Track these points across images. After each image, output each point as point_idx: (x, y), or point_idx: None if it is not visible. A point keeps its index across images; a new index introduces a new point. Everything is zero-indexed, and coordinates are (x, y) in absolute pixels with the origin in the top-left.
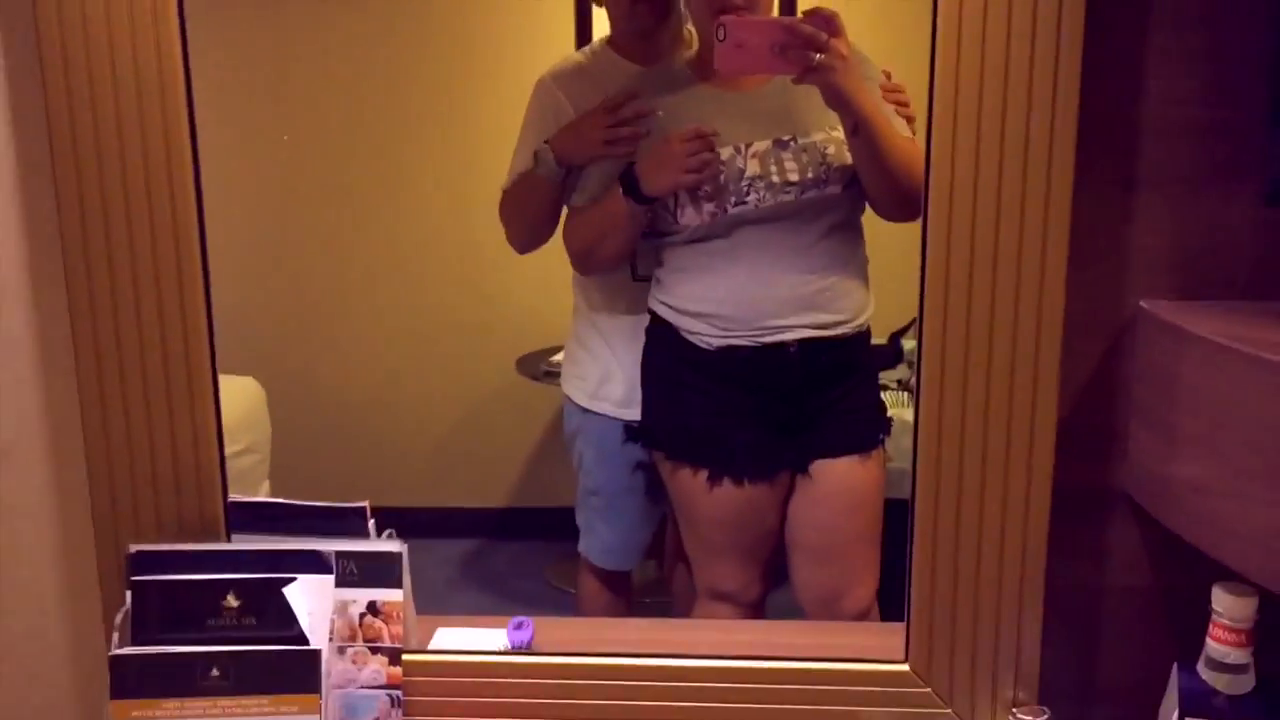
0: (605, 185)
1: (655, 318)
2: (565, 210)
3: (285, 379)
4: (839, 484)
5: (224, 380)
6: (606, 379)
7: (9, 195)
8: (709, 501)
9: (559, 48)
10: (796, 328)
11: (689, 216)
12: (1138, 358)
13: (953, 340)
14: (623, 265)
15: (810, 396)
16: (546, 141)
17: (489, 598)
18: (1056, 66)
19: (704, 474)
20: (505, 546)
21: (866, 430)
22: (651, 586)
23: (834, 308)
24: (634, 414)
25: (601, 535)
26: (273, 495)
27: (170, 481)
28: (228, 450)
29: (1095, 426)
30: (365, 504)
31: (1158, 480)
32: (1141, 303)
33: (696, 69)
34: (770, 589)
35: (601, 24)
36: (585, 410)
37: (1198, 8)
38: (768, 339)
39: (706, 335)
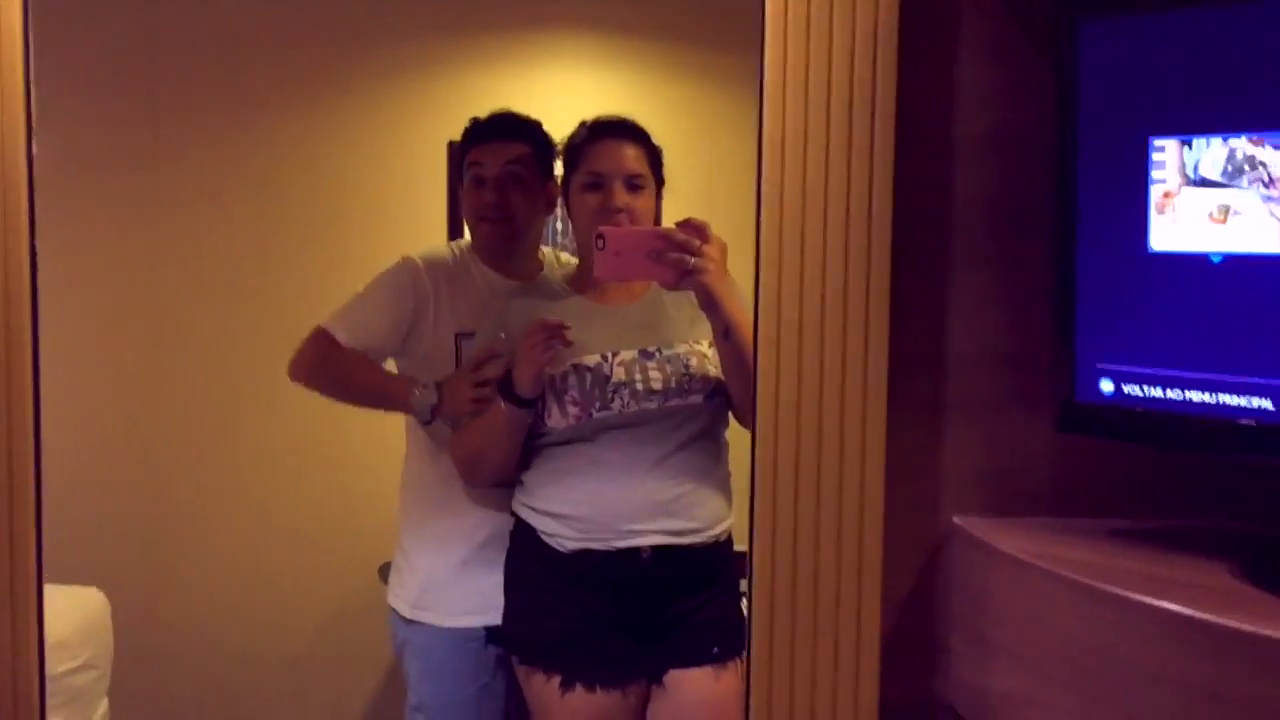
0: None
1: (518, 520)
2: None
3: (132, 589)
4: (694, 695)
5: (65, 591)
6: (429, 588)
7: None
8: (562, 709)
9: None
10: (650, 533)
11: (555, 419)
12: (954, 572)
13: (781, 556)
14: (509, 474)
15: (666, 605)
16: (436, 385)
17: None
18: (867, 300)
19: (556, 679)
20: None
21: (723, 641)
22: None
23: (689, 515)
24: (459, 621)
25: None
26: (110, 715)
27: None
28: (64, 666)
29: (919, 639)
30: None
31: (977, 692)
32: (955, 518)
33: (572, 283)
34: None
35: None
36: (409, 621)
37: (991, 250)
38: (621, 544)
39: (562, 537)
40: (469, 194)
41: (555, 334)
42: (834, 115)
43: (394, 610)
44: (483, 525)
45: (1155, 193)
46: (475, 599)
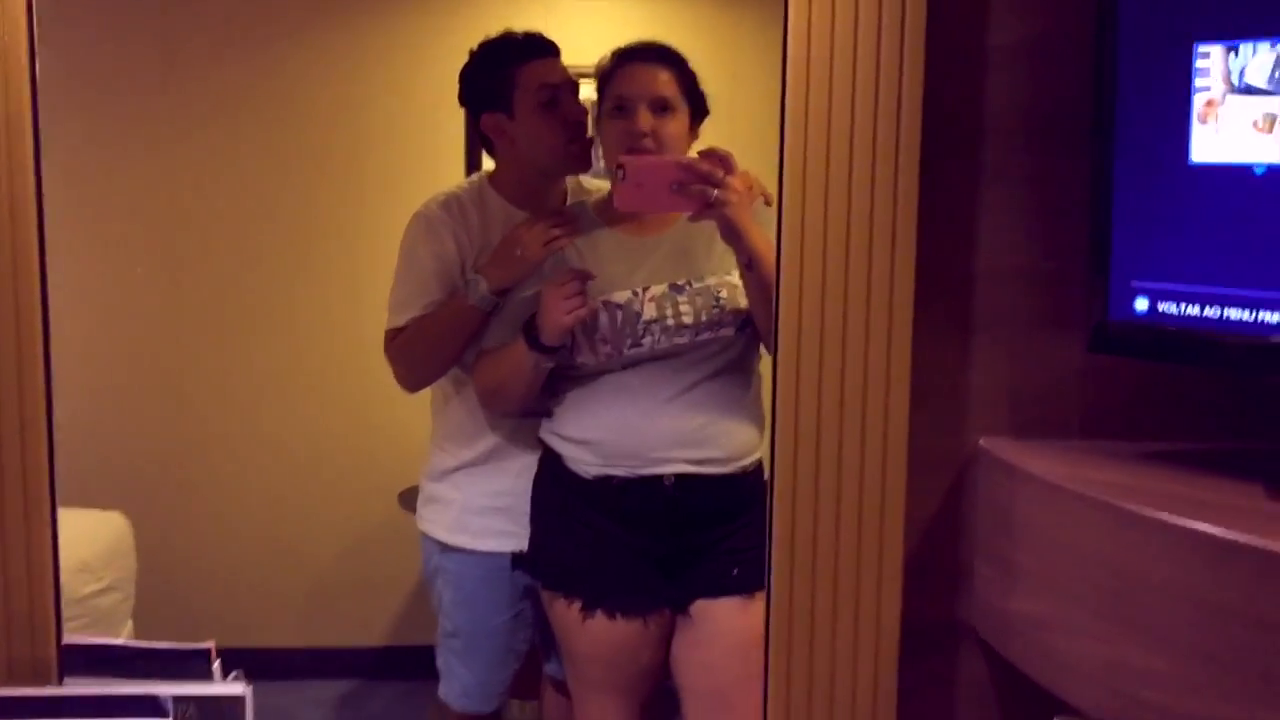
0: (514, 327)
1: (544, 447)
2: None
3: (155, 513)
4: (721, 625)
5: (88, 515)
6: (467, 511)
7: None
8: (582, 635)
9: (448, 178)
10: (673, 461)
11: (585, 356)
12: (979, 494)
13: (802, 477)
14: (528, 406)
15: (690, 535)
16: (477, 271)
17: None
18: (894, 218)
19: (577, 605)
20: (385, 687)
21: (750, 572)
22: None
23: (714, 444)
24: (495, 545)
25: (461, 678)
26: (135, 636)
27: (2, 625)
28: (89, 589)
29: (942, 562)
30: (210, 644)
31: (999, 615)
32: (981, 440)
33: (602, 214)
34: None
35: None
36: (444, 547)
37: (1024, 165)
38: (644, 471)
39: (585, 463)
40: (543, 114)
41: (580, 290)
42: (862, 24)
43: (428, 536)
44: (519, 453)
45: (1198, 101)
46: (511, 524)
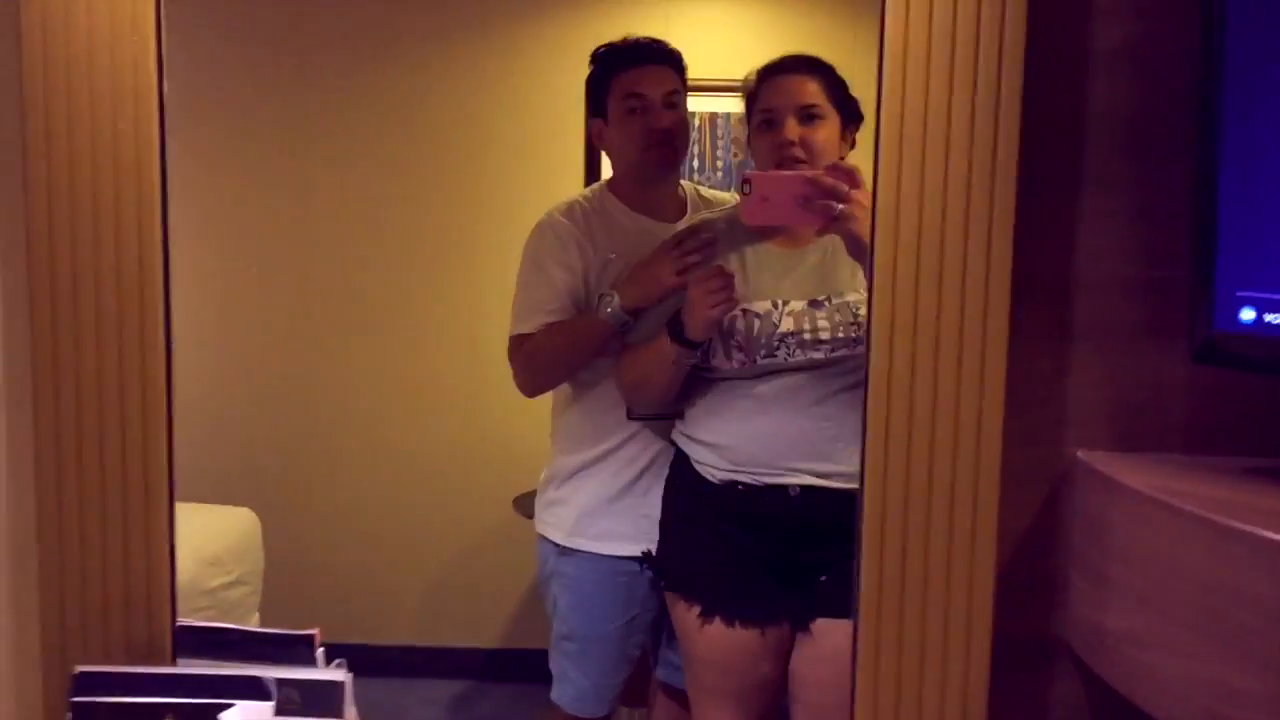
0: (660, 323)
1: (677, 450)
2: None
3: (282, 511)
4: (841, 646)
5: (219, 510)
6: (586, 514)
7: None
8: (700, 639)
9: (568, 190)
10: (799, 472)
11: (720, 360)
12: (1075, 507)
13: (893, 487)
14: (669, 402)
15: (813, 549)
16: (613, 288)
17: None
18: (991, 221)
19: (697, 609)
20: (496, 689)
21: None
22: None
23: (840, 459)
24: (613, 549)
25: (575, 681)
26: (262, 628)
27: (120, 603)
28: (218, 581)
29: (1036, 576)
30: (315, 631)
31: (1094, 631)
32: (1079, 453)
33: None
34: None
35: (609, 171)
36: (562, 550)
37: (1125, 171)
38: (770, 479)
39: (713, 467)
40: (625, 124)
41: (727, 284)
42: (960, 24)
43: (546, 539)
44: (638, 456)
45: None
46: (629, 527)
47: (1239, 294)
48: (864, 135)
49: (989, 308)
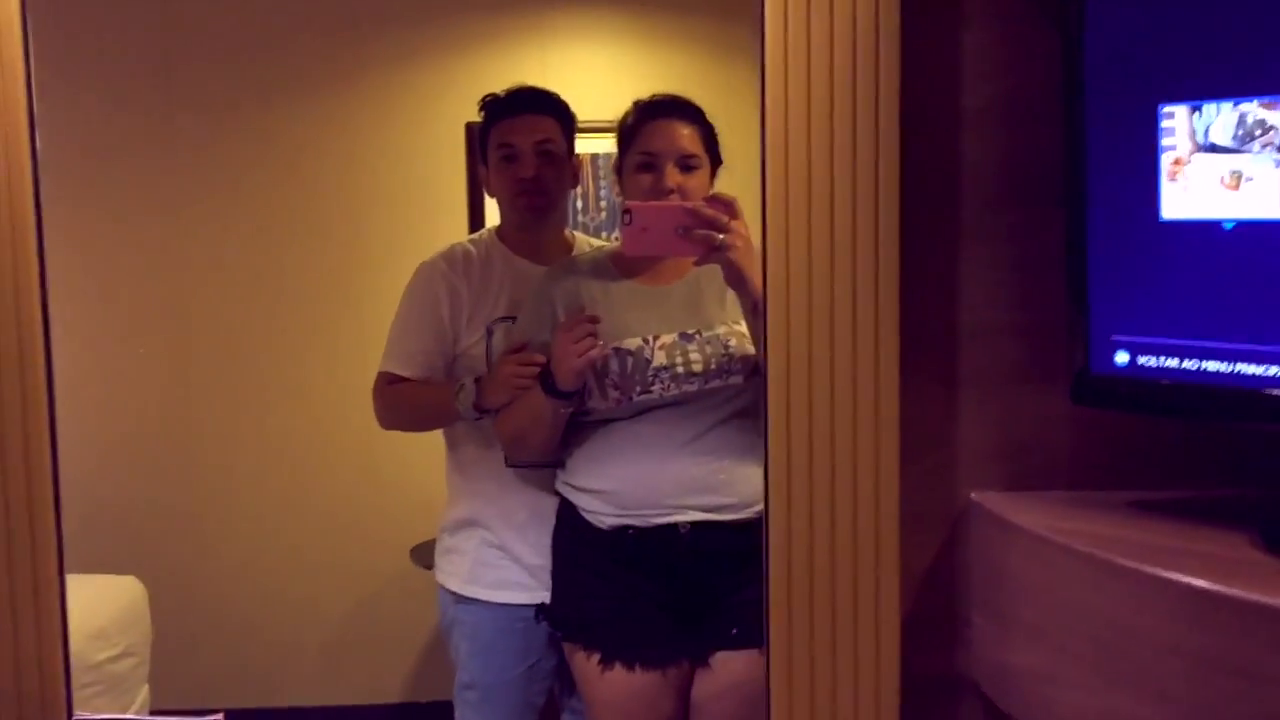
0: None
1: (561, 499)
2: None
3: (168, 576)
4: (740, 676)
5: (103, 580)
6: (480, 564)
7: None
8: (602, 685)
9: (452, 237)
10: (687, 509)
11: (596, 401)
12: (973, 547)
13: (797, 532)
14: (553, 452)
15: (707, 583)
16: (476, 381)
17: None
18: (877, 274)
19: (596, 656)
20: None
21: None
22: None
23: (727, 491)
24: (509, 597)
25: None
26: (151, 701)
27: (12, 700)
28: (103, 655)
29: (939, 615)
30: (220, 715)
31: (997, 668)
32: (972, 494)
33: (616, 263)
34: None
35: (494, 217)
36: (459, 598)
37: (1001, 220)
38: (659, 520)
39: (601, 514)
40: (499, 171)
41: (591, 331)
42: (837, 87)
43: (444, 589)
44: (529, 503)
45: (1165, 160)
46: (523, 576)
47: (1114, 338)
48: (740, 183)
49: (880, 358)
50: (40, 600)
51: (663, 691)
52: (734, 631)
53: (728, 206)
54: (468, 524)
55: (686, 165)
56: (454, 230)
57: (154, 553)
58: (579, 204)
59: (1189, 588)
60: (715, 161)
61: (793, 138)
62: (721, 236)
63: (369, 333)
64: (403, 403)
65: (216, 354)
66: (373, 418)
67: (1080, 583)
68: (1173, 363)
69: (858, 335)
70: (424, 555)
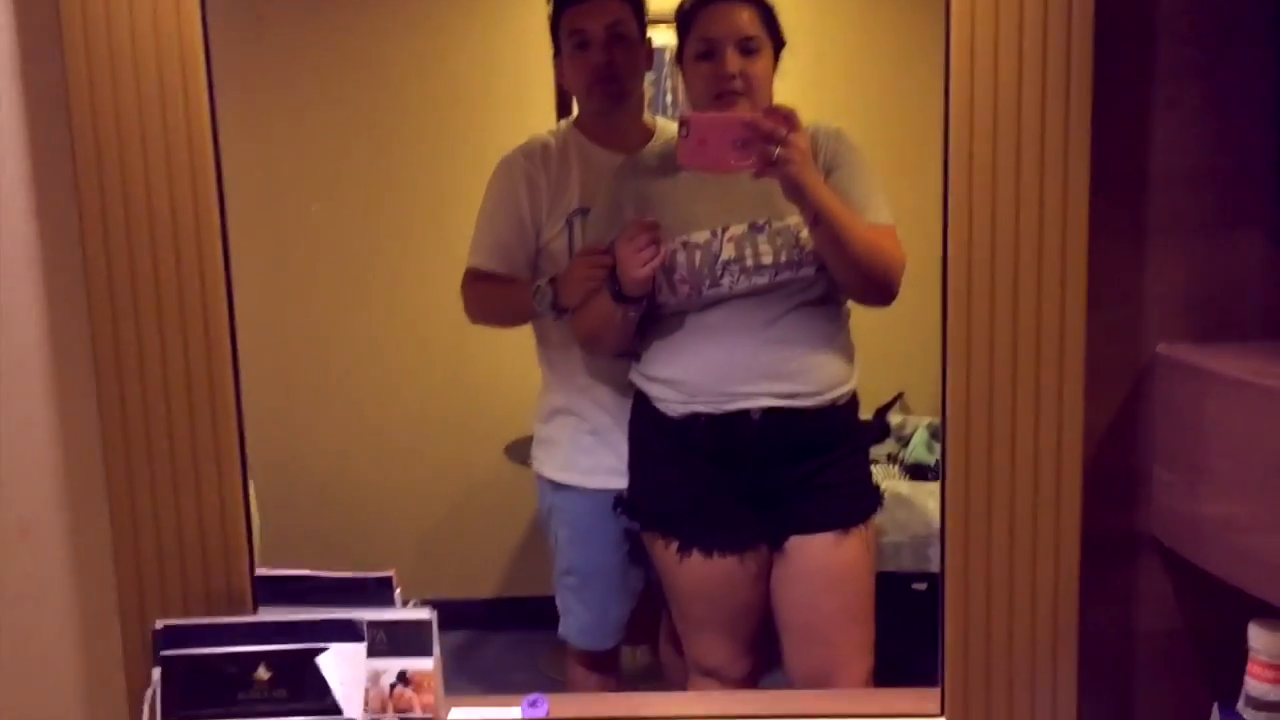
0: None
1: (636, 391)
2: None
3: (270, 471)
4: (816, 561)
5: None
6: (575, 450)
7: (33, 273)
8: (681, 573)
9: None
10: (759, 395)
11: (665, 296)
12: (1158, 401)
13: (976, 387)
14: (629, 348)
15: (781, 470)
16: (551, 281)
17: (481, 691)
18: (1067, 121)
19: (674, 545)
20: (496, 638)
21: (845, 507)
22: (645, 672)
23: (799, 379)
24: (604, 483)
25: (578, 615)
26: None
27: (198, 554)
28: None
29: (1120, 471)
30: (391, 573)
31: (1186, 520)
32: (1159, 347)
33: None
34: (761, 667)
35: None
36: (556, 485)
37: (1199, 60)
38: (729, 406)
39: (671, 402)
40: (572, 60)
41: (653, 239)
42: None
43: (541, 476)
44: (619, 391)
45: None
46: (618, 462)
47: None
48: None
49: (1068, 205)
50: (222, 462)
51: (742, 578)
52: (823, 516)
53: (786, 119)
54: (561, 412)
55: (747, 49)
56: (541, 126)
57: (255, 447)
58: (667, 98)
59: None
60: (778, 43)
61: None
62: (779, 150)
63: (456, 231)
64: (487, 301)
65: (306, 253)
66: (463, 315)
67: None
68: None
69: (1045, 180)
70: (519, 451)
